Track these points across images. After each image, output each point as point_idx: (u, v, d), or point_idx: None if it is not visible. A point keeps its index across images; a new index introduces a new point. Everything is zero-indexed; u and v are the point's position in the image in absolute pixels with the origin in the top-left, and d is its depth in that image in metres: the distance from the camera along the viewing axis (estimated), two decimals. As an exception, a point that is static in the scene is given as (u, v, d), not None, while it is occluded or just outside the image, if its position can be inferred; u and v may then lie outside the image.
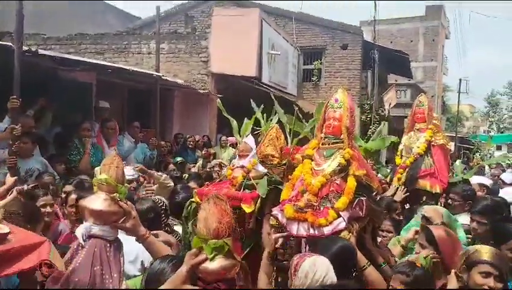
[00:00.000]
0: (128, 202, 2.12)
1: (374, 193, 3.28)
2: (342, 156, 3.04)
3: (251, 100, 5.16)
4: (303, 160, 3.22)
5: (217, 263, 1.80)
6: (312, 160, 3.19)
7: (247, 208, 3.18)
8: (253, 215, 3.25)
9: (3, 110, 4.28)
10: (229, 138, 8.31)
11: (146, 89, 8.40)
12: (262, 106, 4.94)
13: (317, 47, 14.45)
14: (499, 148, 40.69)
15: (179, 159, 7.59)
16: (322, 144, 3.17)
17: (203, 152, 8.86)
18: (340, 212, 2.84)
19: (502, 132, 39.54)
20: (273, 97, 5.06)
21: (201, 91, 9.72)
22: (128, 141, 6.51)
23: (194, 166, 7.72)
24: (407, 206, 4.56)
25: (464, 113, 41.12)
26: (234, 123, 4.99)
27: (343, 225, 2.79)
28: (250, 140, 3.76)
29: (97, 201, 2.00)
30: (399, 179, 4.58)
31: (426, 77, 30.49)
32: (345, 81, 14.04)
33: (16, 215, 2.47)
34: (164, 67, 9.99)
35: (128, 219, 2.07)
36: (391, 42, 29.08)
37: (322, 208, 2.90)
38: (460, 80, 30.00)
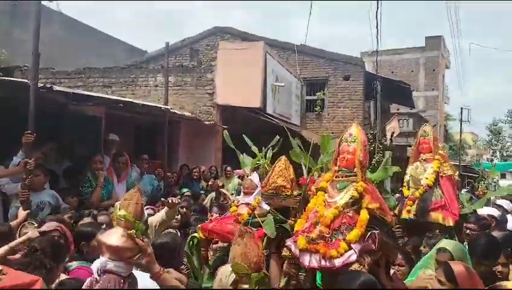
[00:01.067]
0: (145, 239, 2.15)
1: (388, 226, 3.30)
2: (355, 189, 3.10)
3: (244, 136, 5.27)
4: (317, 192, 3.29)
5: None
6: (325, 192, 3.25)
7: None
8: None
9: (17, 143, 4.36)
10: (236, 171, 8.37)
11: (153, 121, 8.53)
12: (278, 139, 5.03)
13: (320, 78, 14.68)
14: (503, 176, 40.48)
15: (185, 190, 7.64)
16: (336, 177, 3.24)
17: (210, 183, 8.90)
18: (352, 245, 2.88)
19: (505, 160, 39.40)
20: (286, 130, 5.16)
21: (207, 122, 9.85)
22: (135, 173, 6.59)
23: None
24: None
25: (466, 141, 41.14)
26: (241, 156, 5.08)
27: (354, 257, 2.83)
28: (255, 177, 3.82)
29: (114, 236, 2.03)
30: (409, 212, 4.51)
31: (428, 106, 30.73)
32: (347, 111, 14.20)
33: (41, 252, 2.48)
34: (171, 99, 10.17)
35: (144, 255, 2.08)
36: (392, 72, 29.48)
37: (334, 240, 2.94)
38: (461, 108, 30.24)
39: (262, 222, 3.39)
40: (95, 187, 5.23)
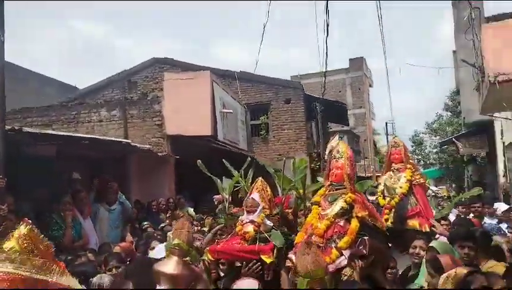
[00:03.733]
0: (199, 265, 2.17)
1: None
2: (344, 200, 3.39)
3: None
4: (312, 206, 3.52)
5: None
6: (319, 206, 3.50)
7: (268, 259, 3.34)
8: (271, 266, 3.40)
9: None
10: (215, 196, 8.35)
11: (104, 157, 8.29)
12: (250, 160, 5.15)
13: (263, 103, 15.11)
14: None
15: (145, 223, 7.48)
16: (329, 191, 3.50)
17: (167, 215, 8.77)
18: (343, 251, 3.15)
19: (428, 168, 42.17)
20: (251, 158, 5.30)
21: (160, 154, 9.73)
22: (103, 208, 6.42)
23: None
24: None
25: (393, 153, 43.61)
26: (219, 182, 5.16)
27: (344, 262, 3.11)
28: (256, 196, 3.93)
29: (170, 265, 2.04)
30: (386, 220, 4.55)
31: (357, 123, 32.50)
32: (291, 133, 14.69)
33: None
34: (117, 133, 9.96)
35: (199, 281, 2.11)
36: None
37: (326, 248, 3.22)
38: (386, 123, 32.34)
39: (269, 236, 3.52)
40: (64, 229, 4.97)
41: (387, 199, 4.80)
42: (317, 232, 3.26)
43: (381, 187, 5.01)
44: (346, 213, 3.39)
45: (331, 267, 3.04)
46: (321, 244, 3.19)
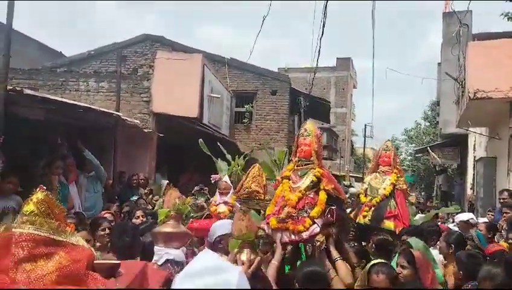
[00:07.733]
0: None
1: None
2: (313, 175, 3.68)
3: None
4: (282, 180, 3.79)
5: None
6: (289, 180, 3.78)
7: None
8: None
9: None
10: (213, 175, 8.60)
11: (83, 126, 8.34)
12: (251, 149, 5.43)
13: (249, 91, 15.30)
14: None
15: (135, 198, 7.54)
16: (297, 166, 3.78)
17: (145, 191, 8.91)
18: (315, 220, 3.43)
19: (401, 174, 42.96)
20: (263, 147, 5.58)
21: (146, 130, 9.84)
22: (83, 177, 6.54)
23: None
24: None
25: (368, 156, 44.57)
26: (218, 162, 5.40)
27: (317, 229, 3.39)
28: (227, 179, 4.21)
29: (168, 226, 2.29)
30: (364, 217, 4.87)
31: (337, 122, 33.02)
32: (274, 124, 14.96)
33: None
34: (103, 105, 9.97)
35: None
36: (306, 89, 31.25)
37: (300, 218, 3.48)
38: (365, 125, 33.00)
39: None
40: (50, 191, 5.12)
41: (369, 197, 5.04)
42: (290, 203, 3.53)
43: (365, 186, 5.27)
44: (315, 186, 3.66)
45: (305, 235, 3.35)
46: (294, 214, 3.47)
